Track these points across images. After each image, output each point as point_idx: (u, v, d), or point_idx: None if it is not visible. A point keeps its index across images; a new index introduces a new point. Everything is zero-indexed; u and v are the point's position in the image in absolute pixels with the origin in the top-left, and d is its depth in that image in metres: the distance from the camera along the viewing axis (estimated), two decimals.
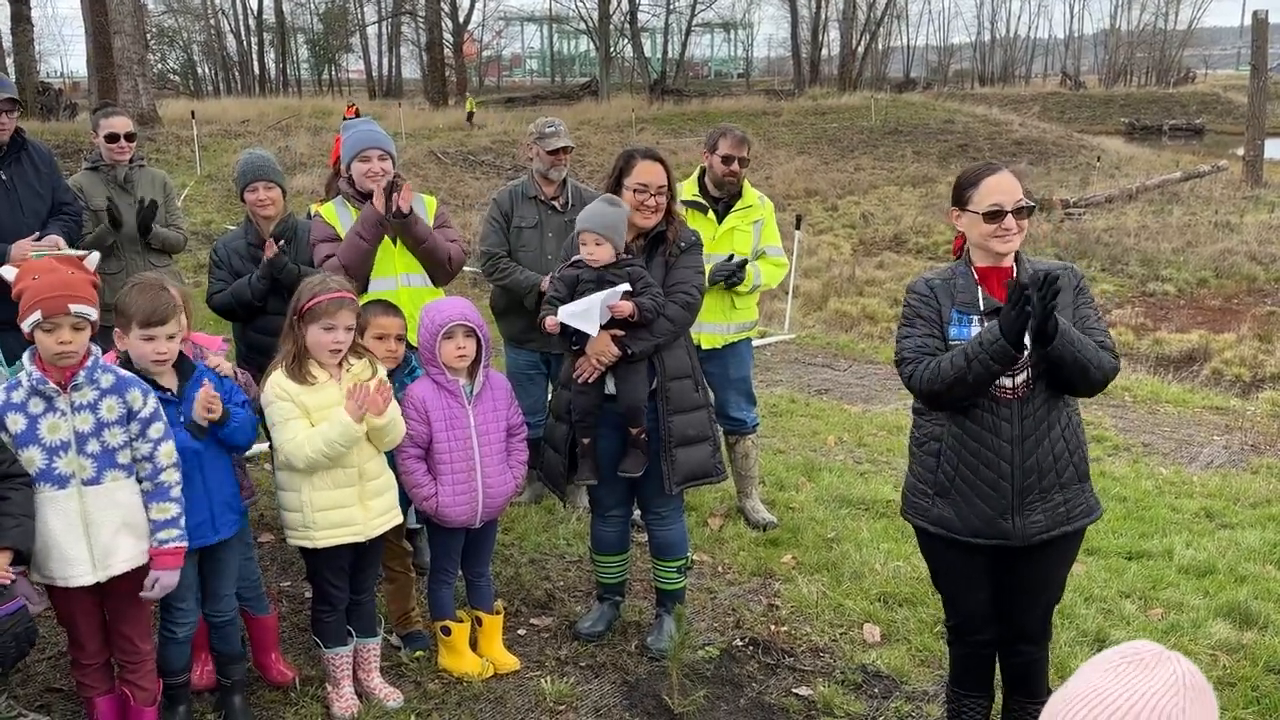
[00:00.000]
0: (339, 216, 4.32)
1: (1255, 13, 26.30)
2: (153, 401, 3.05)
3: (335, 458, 3.35)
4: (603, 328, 3.65)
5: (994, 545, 3.01)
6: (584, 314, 3.57)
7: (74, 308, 2.87)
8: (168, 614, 3.29)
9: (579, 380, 3.75)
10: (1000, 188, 2.95)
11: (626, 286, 3.62)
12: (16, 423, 2.89)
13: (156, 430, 3.04)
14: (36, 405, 2.91)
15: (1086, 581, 4.72)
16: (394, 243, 4.30)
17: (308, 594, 4.28)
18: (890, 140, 34.05)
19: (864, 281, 16.54)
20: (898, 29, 74.09)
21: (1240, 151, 29.17)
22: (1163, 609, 4.48)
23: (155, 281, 3.20)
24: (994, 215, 2.93)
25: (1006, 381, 2.93)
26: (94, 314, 2.95)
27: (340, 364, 3.44)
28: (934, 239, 19.92)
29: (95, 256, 3.14)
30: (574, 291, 3.71)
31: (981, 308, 2.98)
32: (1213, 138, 45.86)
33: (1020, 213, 2.95)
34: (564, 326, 3.65)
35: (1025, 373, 2.92)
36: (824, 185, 27.66)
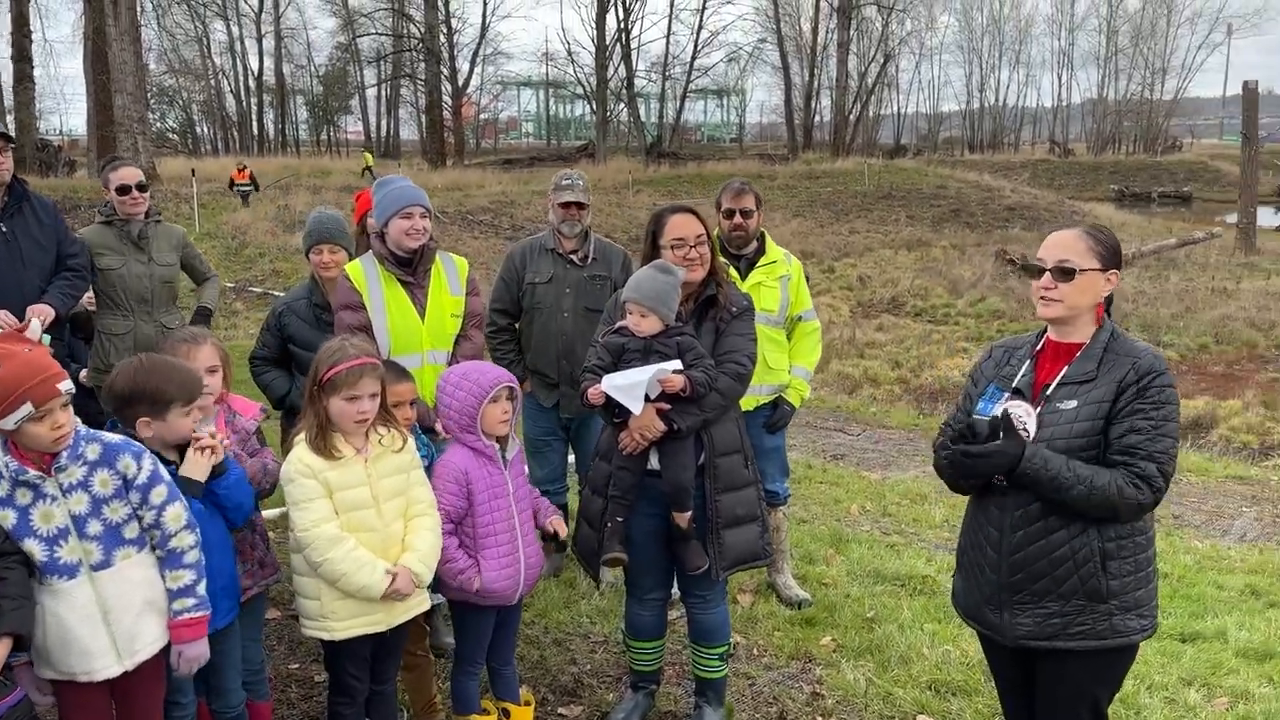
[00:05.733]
0: (365, 276, 4.06)
1: (1245, 82, 26.71)
2: (148, 463, 2.76)
3: (345, 591, 3.10)
4: (650, 400, 3.40)
5: (989, 634, 2.87)
6: (630, 389, 3.30)
7: (63, 386, 2.59)
8: (166, 710, 2.98)
9: (623, 454, 3.50)
10: (1050, 243, 2.79)
11: (678, 364, 3.35)
12: (7, 518, 2.60)
13: (159, 495, 2.76)
14: (24, 496, 2.61)
15: (1144, 667, 4.45)
16: (421, 319, 4.09)
17: (318, 678, 4.00)
18: (884, 204, 34.31)
19: (864, 344, 16.40)
20: (889, 96, 75.28)
21: (1231, 219, 29.46)
22: (1228, 698, 4.21)
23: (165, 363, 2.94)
24: (1033, 271, 2.79)
25: None
26: (72, 386, 2.66)
27: (367, 435, 3.19)
28: (931, 301, 19.88)
29: (36, 325, 2.85)
30: (619, 360, 3.44)
31: (1015, 384, 2.80)
32: (1200, 205, 46.49)
33: (1060, 274, 2.72)
34: (607, 397, 3.40)
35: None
36: (820, 247, 27.70)
